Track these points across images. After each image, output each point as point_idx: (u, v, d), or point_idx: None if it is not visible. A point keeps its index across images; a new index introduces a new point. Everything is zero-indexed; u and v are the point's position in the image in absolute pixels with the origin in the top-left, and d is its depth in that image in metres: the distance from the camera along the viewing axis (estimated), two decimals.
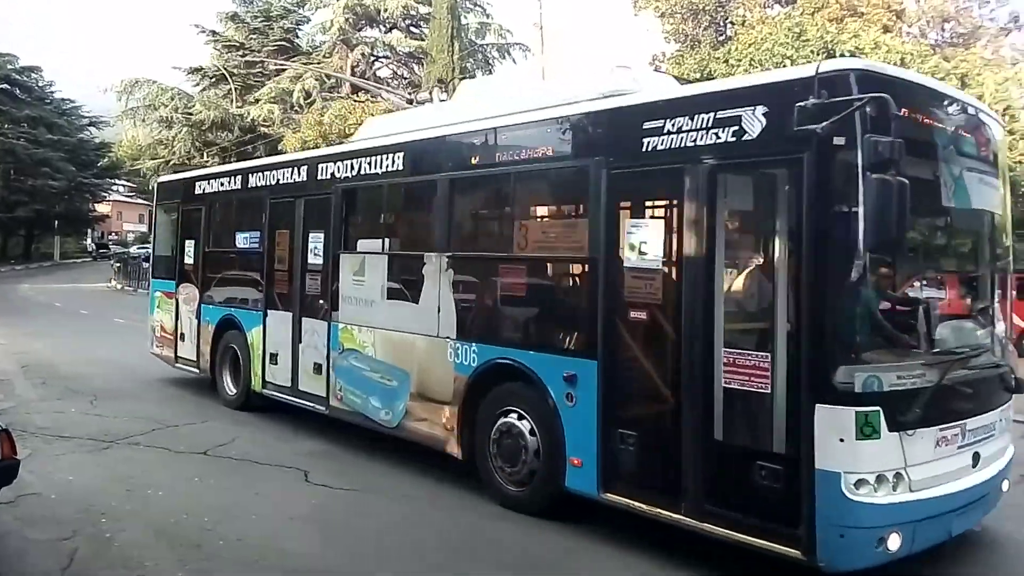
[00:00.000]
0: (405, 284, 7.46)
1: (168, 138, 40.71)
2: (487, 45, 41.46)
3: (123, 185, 68.08)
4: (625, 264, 5.42)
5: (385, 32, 40.47)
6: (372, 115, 25.35)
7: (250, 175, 9.78)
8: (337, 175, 8.20)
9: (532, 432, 6.09)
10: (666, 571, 5.18)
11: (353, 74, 36.83)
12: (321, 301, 8.44)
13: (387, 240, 7.60)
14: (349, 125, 25.26)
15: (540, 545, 5.63)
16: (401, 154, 7.39)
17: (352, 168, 7.99)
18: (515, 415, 6.23)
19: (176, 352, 11.34)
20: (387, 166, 7.52)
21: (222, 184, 10.38)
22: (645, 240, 5.30)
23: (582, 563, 5.35)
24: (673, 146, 5.14)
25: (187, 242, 11.15)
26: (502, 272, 6.39)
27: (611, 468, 5.47)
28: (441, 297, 6.85)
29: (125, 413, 9.53)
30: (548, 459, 5.97)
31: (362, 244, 8.03)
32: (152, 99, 40.85)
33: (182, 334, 11.19)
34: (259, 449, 7.99)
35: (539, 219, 6.53)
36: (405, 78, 40.38)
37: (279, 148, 28.48)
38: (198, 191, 10.90)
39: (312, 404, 8.50)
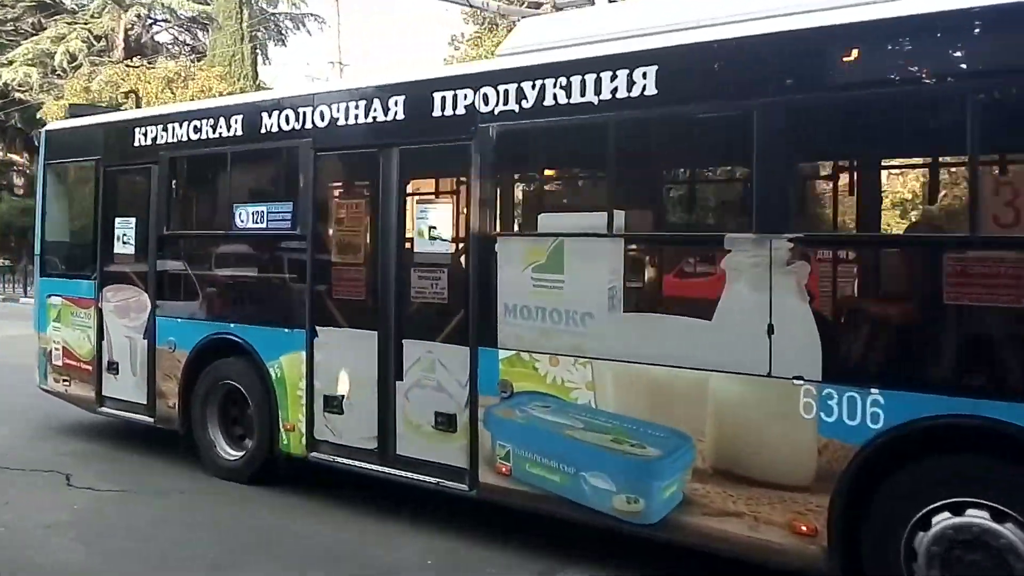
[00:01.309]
0: (671, 287, 4.55)
1: None
2: (279, 14, 37.84)
3: None
4: None
5: None
6: (149, 83, 23.47)
7: (264, 115, 6.17)
8: (483, 109, 4.99)
9: None
10: (460, 544, 5.12)
11: (127, 37, 32.45)
12: (450, 314, 5.24)
13: (618, 214, 4.56)
14: (121, 92, 23.17)
15: (330, 533, 5.36)
16: (651, 68, 4.37)
17: (519, 96, 4.83)
18: (981, 512, 3.61)
19: (100, 390, 7.40)
20: (612, 90, 4.48)
21: (197, 130, 6.61)
22: None
23: (377, 547, 5.15)
24: None
25: (119, 221, 7.23)
26: (951, 266, 3.66)
27: None
28: (776, 309, 4.00)
29: None
30: None
31: (548, 222, 4.95)
32: None
33: (112, 363, 7.28)
34: (11, 452, 7.06)
35: None
36: (187, 44, 36.51)
37: (38, 117, 25.36)
38: (142, 142, 7.00)
39: (431, 479, 5.28)
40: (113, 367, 7.29)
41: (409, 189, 5.47)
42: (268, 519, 5.63)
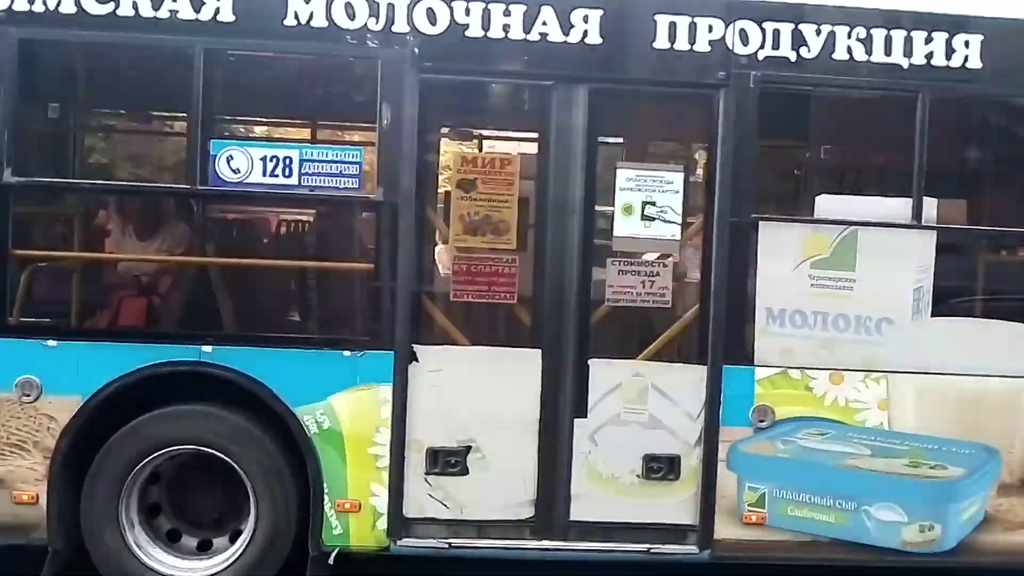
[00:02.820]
0: (994, 288, 4.02)
1: None
2: None
3: None
4: None
5: None
6: None
7: None
8: (741, 50, 3.70)
9: None
10: None
11: None
12: (674, 322, 3.87)
13: (928, 201, 3.81)
14: None
15: None
16: (974, 38, 3.76)
17: (796, 41, 3.71)
18: None
19: None
20: (927, 55, 3.74)
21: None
22: None
23: None
24: None
25: None
26: None
27: None
28: None
29: None
30: None
31: (831, 205, 3.92)
32: None
33: None
34: None
35: None
36: None
37: None
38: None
39: (635, 546, 3.89)
40: None
41: (602, 148, 3.83)
42: None
